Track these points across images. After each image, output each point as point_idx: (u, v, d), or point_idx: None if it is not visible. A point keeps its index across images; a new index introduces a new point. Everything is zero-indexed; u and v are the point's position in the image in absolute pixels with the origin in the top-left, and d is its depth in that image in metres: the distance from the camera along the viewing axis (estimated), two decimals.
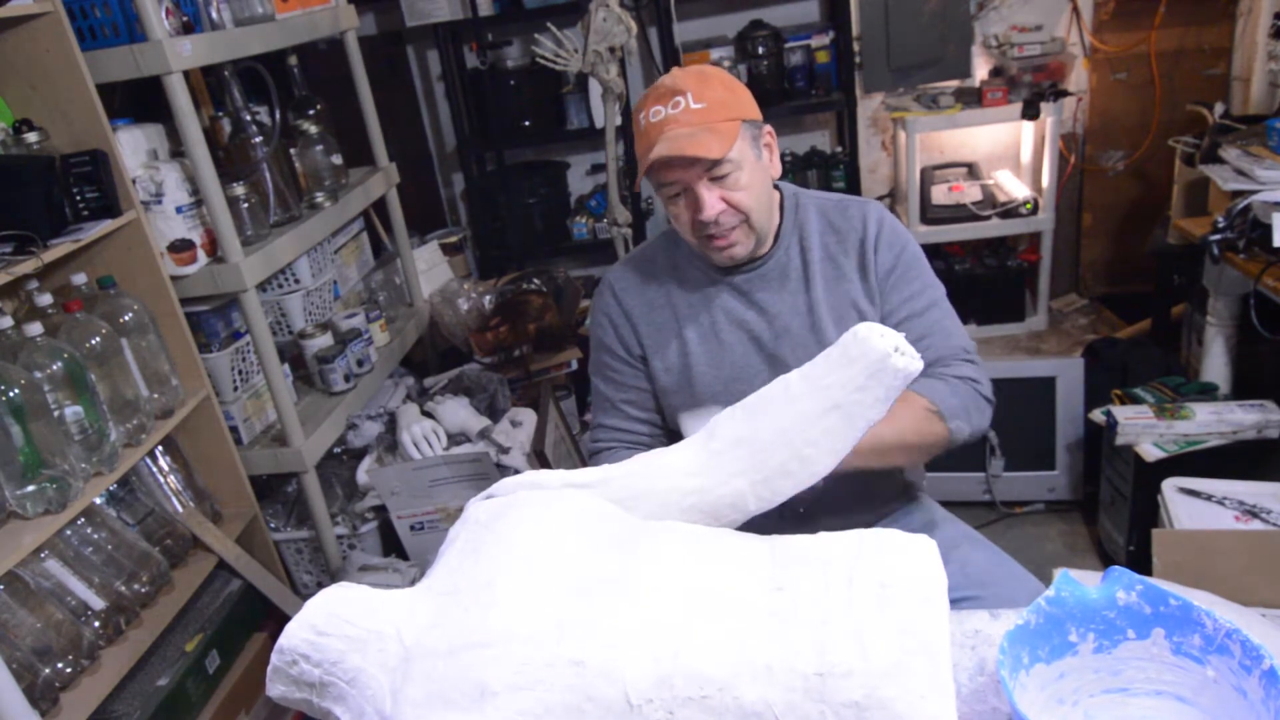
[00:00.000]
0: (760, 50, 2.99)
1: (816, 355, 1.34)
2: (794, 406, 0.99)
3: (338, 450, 2.40)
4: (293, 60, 2.38)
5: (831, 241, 1.37)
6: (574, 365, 2.77)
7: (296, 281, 2.42)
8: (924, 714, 0.75)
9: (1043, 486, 2.67)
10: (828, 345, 1.33)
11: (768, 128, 1.33)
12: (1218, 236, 2.06)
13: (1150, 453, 2.13)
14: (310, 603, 0.91)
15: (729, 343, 1.38)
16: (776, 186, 1.39)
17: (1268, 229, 1.94)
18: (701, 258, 1.39)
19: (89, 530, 1.81)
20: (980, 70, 3.00)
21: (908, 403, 1.21)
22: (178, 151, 2.05)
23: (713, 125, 1.22)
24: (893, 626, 0.79)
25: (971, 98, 2.86)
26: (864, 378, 0.96)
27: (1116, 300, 3.08)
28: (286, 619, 1.03)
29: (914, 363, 0.95)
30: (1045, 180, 2.86)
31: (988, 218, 2.84)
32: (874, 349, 0.94)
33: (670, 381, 1.42)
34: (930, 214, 2.92)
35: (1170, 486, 1.94)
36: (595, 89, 2.96)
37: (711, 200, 1.25)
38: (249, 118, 2.18)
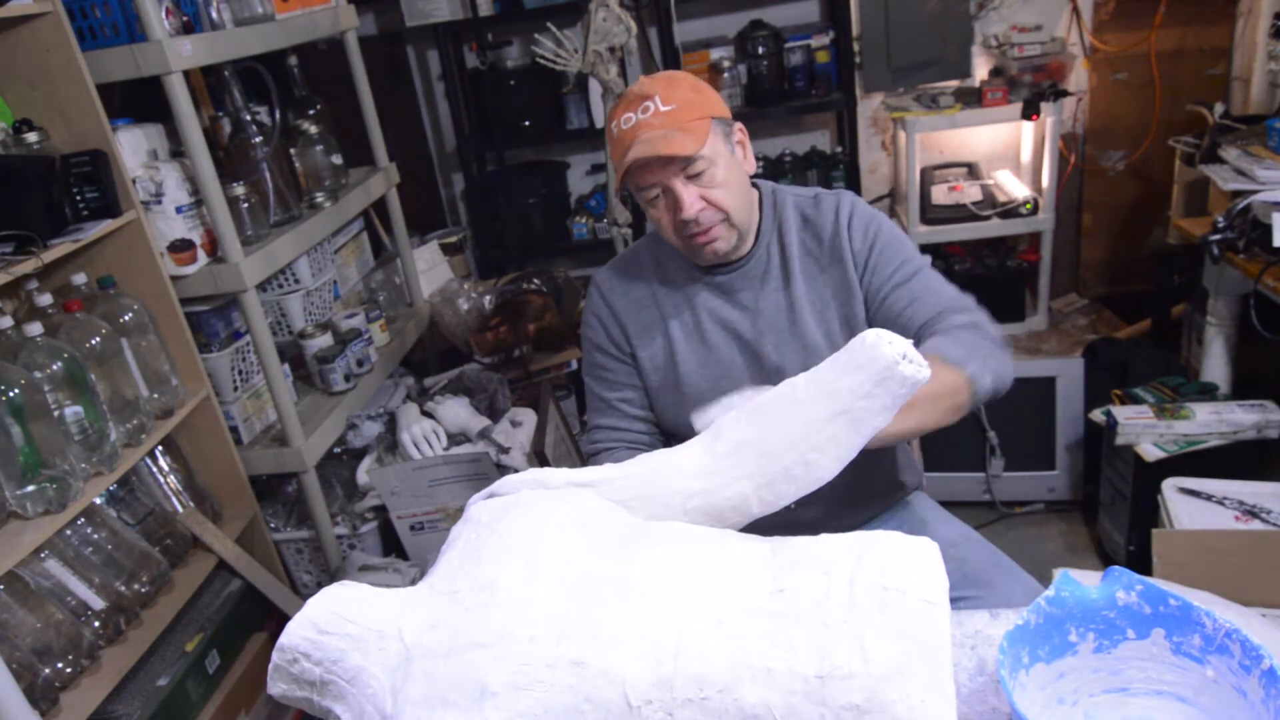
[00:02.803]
0: (760, 50, 2.99)
1: (797, 351, 1.35)
2: (800, 411, 0.99)
3: (338, 450, 2.40)
4: (293, 60, 2.38)
5: (808, 236, 1.38)
6: (574, 365, 2.77)
7: (296, 281, 2.42)
8: (924, 717, 0.75)
9: (1043, 486, 2.67)
10: (808, 341, 1.34)
11: (738, 125, 1.35)
12: (1218, 236, 2.06)
13: (1150, 453, 2.14)
14: (312, 601, 0.91)
15: (714, 342, 1.39)
16: (755, 185, 1.40)
17: (1268, 229, 1.94)
18: (685, 258, 1.40)
19: (89, 530, 1.81)
20: (980, 70, 2.99)
21: None
22: (178, 151, 2.05)
23: (684, 124, 1.24)
24: (894, 629, 0.79)
25: (971, 98, 2.86)
26: (871, 384, 0.95)
27: (1116, 300, 3.08)
28: (286, 619, 1.03)
29: (922, 370, 0.95)
30: (1045, 180, 2.86)
31: (988, 218, 2.84)
32: (882, 356, 0.94)
33: (657, 380, 1.43)
34: (930, 214, 2.91)
35: (1170, 486, 1.94)
36: (595, 89, 2.96)
37: (690, 198, 1.26)
38: (249, 118, 2.18)
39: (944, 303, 1.28)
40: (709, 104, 1.29)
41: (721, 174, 1.27)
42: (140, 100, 2.07)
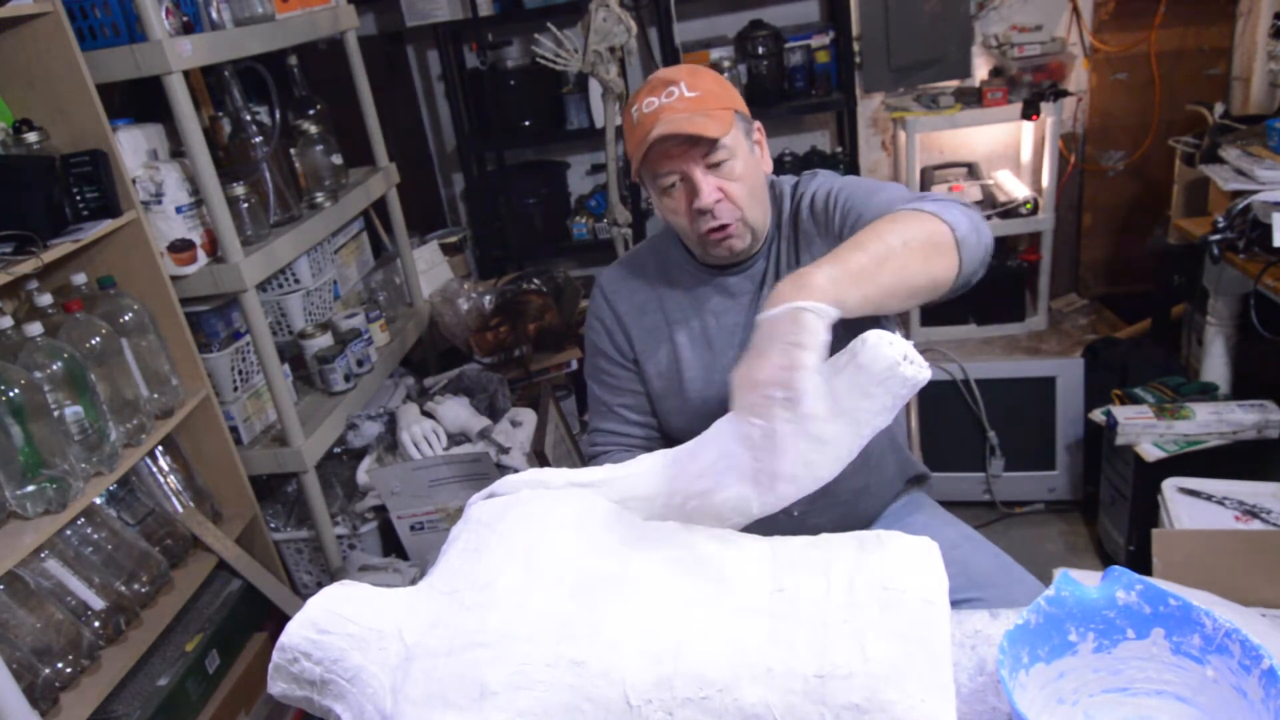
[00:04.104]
0: (760, 50, 2.99)
1: None
2: None
3: (338, 450, 2.40)
4: (293, 60, 2.38)
5: (801, 227, 1.35)
6: (574, 365, 2.77)
7: (296, 281, 2.42)
8: (924, 717, 0.75)
9: (1043, 486, 2.67)
10: None
11: (757, 124, 1.33)
12: (1218, 236, 2.06)
13: (1150, 453, 2.14)
14: (312, 601, 0.91)
15: (720, 347, 1.37)
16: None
17: (1268, 229, 1.94)
18: (692, 260, 1.39)
19: (89, 530, 1.81)
20: (980, 70, 2.99)
21: (879, 221, 1.09)
22: (178, 151, 2.06)
23: (708, 111, 1.22)
24: (893, 628, 0.79)
25: (971, 98, 2.86)
26: (872, 385, 0.95)
27: (1116, 300, 3.08)
28: (286, 619, 1.03)
29: (922, 371, 0.95)
30: (1045, 180, 2.86)
31: (988, 218, 2.84)
32: (882, 357, 0.94)
33: (661, 386, 1.41)
34: None
35: (1170, 486, 1.94)
36: (595, 89, 2.96)
37: (708, 186, 1.23)
38: (249, 118, 2.18)
39: (896, 205, 1.18)
40: (732, 98, 1.27)
41: (740, 168, 1.25)
42: (140, 100, 2.07)
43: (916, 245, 1.06)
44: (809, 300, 0.94)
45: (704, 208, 1.24)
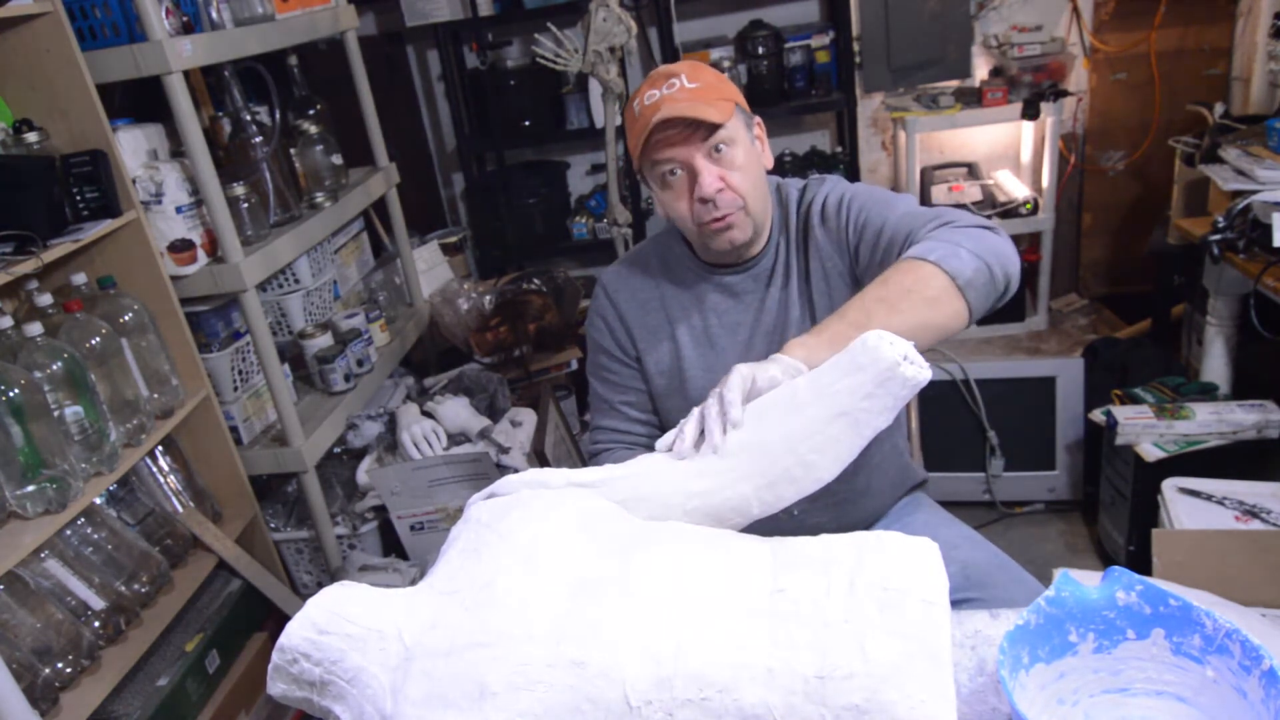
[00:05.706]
0: (760, 50, 2.99)
1: None
2: (801, 413, 0.99)
3: (338, 450, 2.40)
4: (293, 60, 2.38)
5: (810, 231, 1.35)
6: (574, 365, 2.77)
7: (296, 281, 2.42)
8: (924, 717, 0.75)
9: (1043, 486, 2.67)
10: None
11: (757, 119, 1.34)
12: (1218, 236, 2.06)
13: (1150, 453, 2.14)
14: (311, 601, 0.91)
15: (722, 346, 1.37)
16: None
17: (1268, 229, 1.94)
18: (694, 258, 1.39)
19: (89, 530, 1.81)
20: (980, 70, 2.99)
21: (871, 285, 1.12)
22: (178, 151, 2.06)
23: (709, 100, 1.23)
24: (894, 629, 0.79)
25: (971, 98, 2.86)
26: (872, 385, 0.95)
27: (1116, 300, 3.08)
28: (286, 619, 1.03)
29: (922, 371, 0.95)
30: (1045, 180, 2.86)
31: (988, 218, 2.84)
32: (883, 357, 0.94)
33: (663, 383, 1.41)
34: None
35: (1170, 486, 1.94)
36: (595, 89, 2.96)
37: (710, 175, 1.24)
38: (249, 118, 2.18)
39: (916, 223, 1.20)
40: (732, 92, 1.28)
41: (741, 158, 1.26)
42: (140, 100, 2.07)
43: (906, 308, 1.08)
44: (781, 356, 1.08)
45: (706, 196, 1.24)
